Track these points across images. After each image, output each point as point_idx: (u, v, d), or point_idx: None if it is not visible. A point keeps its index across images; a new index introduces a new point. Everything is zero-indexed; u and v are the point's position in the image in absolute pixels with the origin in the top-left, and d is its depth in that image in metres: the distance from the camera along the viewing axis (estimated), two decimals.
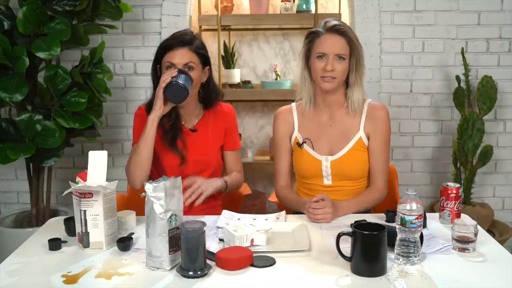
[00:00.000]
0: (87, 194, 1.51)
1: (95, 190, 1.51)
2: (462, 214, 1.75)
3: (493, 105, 2.94)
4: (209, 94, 2.04)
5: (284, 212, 1.84)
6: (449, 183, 1.75)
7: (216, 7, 3.09)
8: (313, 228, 1.68)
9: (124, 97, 3.19)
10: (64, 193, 1.57)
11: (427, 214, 1.71)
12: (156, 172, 2.00)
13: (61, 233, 1.65)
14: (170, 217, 1.37)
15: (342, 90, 1.96)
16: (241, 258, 1.39)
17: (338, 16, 3.03)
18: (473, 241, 1.49)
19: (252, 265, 1.39)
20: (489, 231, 2.92)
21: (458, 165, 3.01)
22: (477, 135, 2.91)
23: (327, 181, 1.97)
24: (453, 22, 3.09)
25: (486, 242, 1.57)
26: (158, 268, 1.39)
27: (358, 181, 1.98)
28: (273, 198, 2.19)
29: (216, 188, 1.95)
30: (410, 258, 1.41)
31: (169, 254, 1.38)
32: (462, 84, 2.97)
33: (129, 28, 3.11)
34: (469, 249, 1.49)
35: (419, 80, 3.16)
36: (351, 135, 1.96)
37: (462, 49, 2.98)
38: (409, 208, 1.40)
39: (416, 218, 1.40)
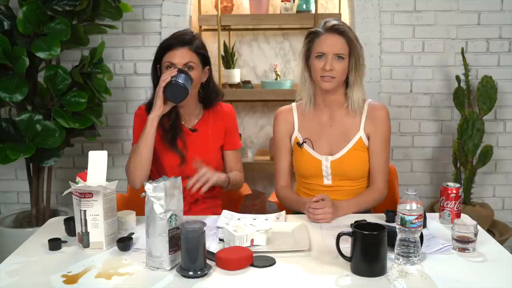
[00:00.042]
0: (87, 194, 1.51)
1: (95, 190, 1.51)
2: (462, 214, 1.75)
3: (493, 105, 2.94)
4: (209, 94, 2.04)
5: (284, 212, 1.84)
6: (449, 183, 1.75)
7: (216, 7, 3.09)
8: (313, 228, 1.68)
9: (124, 97, 3.19)
10: (64, 193, 1.57)
11: (427, 214, 1.71)
12: (156, 172, 2.00)
13: (61, 233, 1.65)
14: (170, 217, 1.37)
15: (342, 90, 1.96)
16: (241, 258, 1.39)
17: (338, 16, 3.03)
18: (473, 241, 1.49)
19: (252, 265, 1.39)
20: (489, 231, 2.92)
21: (458, 165, 3.01)
22: (477, 135, 2.91)
23: (327, 181, 1.97)
24: (453, 22, 3.09)
25: (486, 242, 1.57)
26: (158, 268, 1.39)
27: (358, 181, 1.98)
28: (273, 198, 2.19)
29: (220, 179, 1.90)
30: (410, 258, 1.41)
31: (169, 254, 1.38)
32: (462, 84, 2.97)
33: (129, 28, 3.11)
34: (469, 249, 1.49)
35: (419, 80, 3.16)
36: (351, 135, 1.96)
37: (462, 49, 2.99)
38: (409, 208, 1.40)
39: (416, 218, 1.40)
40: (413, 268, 1.39)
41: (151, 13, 3.09)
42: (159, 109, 1.86)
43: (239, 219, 1.75)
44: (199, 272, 1.33)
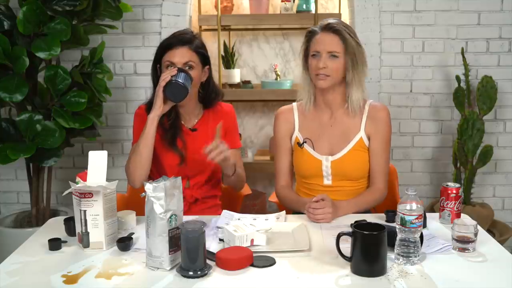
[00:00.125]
0: (87, 194, 1.51)
1: (95, 190, 1.51)
2: (462, 214, 1.75)
3: (493, 105, 2.94)
4: (209, 94, 2.04)
5: (284, 212, 1.84)
6: (449, 183, 1.75)
7: (216, 7, 3.09)
8: (313, 228, 1.68)
9: (124, 97, 3.19)
10: (64, 193, 1.57)
11: (427, 214, 1.71)
12: (156, 172, 2.00)
13: (61, 233, 1.65)
14: (170, 217, 1.37)
15: (340, 90, 1.96)
16: (241, 258, 1.39)
17: (338, 16, 3.03)
18: (473, 241, 1.49)
19: (252, 265, 1.39)
20: (489, 231, 2.92)
21: (458, 165, 3.01)
22: (477, 135, 2.91)
23: (327, 181, 1.97)
24: (453, 22, 3.09)
25: (486, 242, 1.57)
26: (158, 268, 1.39)
27: (358, 182, 1.98)
28: (273, 198, 2.19)
29: (229, 158, 1.84)
30: (410, 258, 1.41)
31: (169, 254, 1.38)
32: (462, 84, 2.97)
33: (129, 28, 3.11)
34: (469, 249, 1.49)
35: (419, 80, 3.16)
36: (352, 135, 1.96)
37: (462, 49, 2.99)
38: (409, 208, 1.40)
39: (416, 218, 1.40)
40: (413, 268, 1.39)
41: (151, 13, 3.09)
42: (159, 108, 1.86)
43: (239, 219, 1.75)
44: (199, 272, 1.33)
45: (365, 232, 1.35)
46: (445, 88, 3.16)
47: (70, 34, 2.47)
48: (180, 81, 1.82)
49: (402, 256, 1.41)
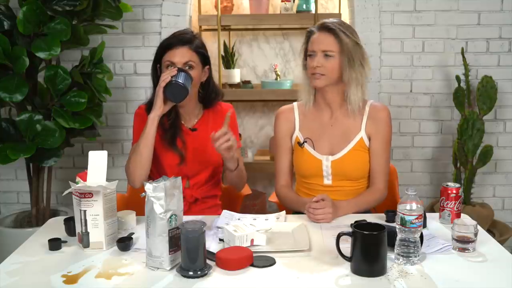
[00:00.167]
0: (87, 194, 1.51)
1: (95, 190, 1.51)
2: (462, 214, 1.75)
3: (493, 105, 2.94)
4: (209, 94, 2.04)
5: (284, 212, 1.84)
6: (449, 183, 1.75)
7: (216, 7, 3.09)
8: (313, 228, 1.68)
9: (124, 97, 3.19)
10: (64, 193, 1.57)
11: (427, 214, 1.71)
12: (156, 171, 2.00)
13: (61, 233, 1.65)
14: (170, 217, 1.37)
15: (340, 89, 1.95)
16: (241, 258, 1.39)
17: (338, 16, 3.03)
18: (473, 241, 1.49)
19: (252, 265, 1.39)
20: (489, 231, 2.92)
21: (458, 165, 3.01)
22: (477, 135, 2.91)
23: (327, 181, 1.97)
24: (453, 22, 3.09)
25: (486, 242, 1.57)
26: (158, 268, 1.39)
27: (359, 182, 1.98)
28: (273, 198, 2.19)
29: (235, 147, 1.83)
30: (410, 258, 1.41)
31: (169, 254, 1.38)
32: (462, 84, 2.97)
33: (129, 28, 3.11)
34: (469, 249, 1.49)
35: (419, 80, 3.16)
36: (352, 135, 1.96)
37: (462, 49, 2.99)
38: (409, 208, 1.40)
39: (416, 218, 1.40)
40: (413, 268, 1.39)
41: (151, 13, 3.09)
42: (159, 109, 1.86)
43: (239, 219, 1.75)
44: (199, 272, 1.33)
45: (365, 232, 1.35)
46: (445, 88, 3.16)
47: (70, 34, 2.47)
48: (180, 81, 1.82)
49: (402, 256, 1.41)
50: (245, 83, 3.22)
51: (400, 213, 1.41)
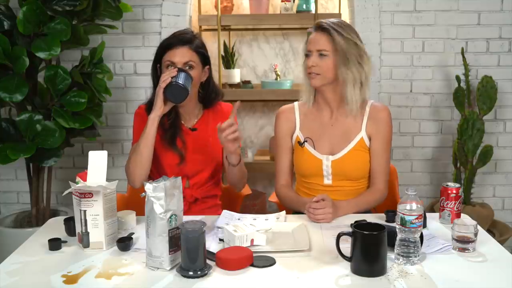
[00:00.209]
0: (87, 194, 1.51)
1: (95, 190, 1.51)
2: (462, 214, 1.75)
3: (493, 105, 2.94)
4: (209, 94, 2.04)
5: (284, 212, 1.84)
6: (449, 183, 1.75)
7: (216, 7, 3.09)
8: (313, 228, 1.68)
9: (124, 97, 3.19)
10: (64, 193, 1.57)
11: (427, 214, 1.71)
12: (156, 171, 2.00)
13: (61, 233, 1.65)
14: (170, 217, 1.37)
15: (337, 89, 1.95)
16: (241, 258, 1.39)
17: (338, 16, 3.03)
18: (473, 241, 1.49)
19: (252, 265, 1.39)
20: (489, 231, 2.92)
21: (458, 165, 3.01)
22: (477, 135, 2.91)
23: (327, 181, 1.97)
24: (453, 22, 3.09)
25: (486, 242, 1.57)
26: (158, 268, 1.39)
27: (359, 182, 1.98)
28: (273, 198, 2.19)
29: (240, 139, 1.84)
30: (410, 258, 1.41)
31: (169, 254, 1.38)
32: (462, 84, 2.97)
33: (129, 28, 3.11)
34: (469, 249, 1.49)
35: (419, 80, 3.16)
36: (353, 135, 1.96)
37: (462, 49, 2.99)
38: (409, 208, 1.40)
39: (416, 218, 1.40)
40: (413, 268, 1.39)
41: (151, 13, 3.09)
42: (160, 109, 1.86)
43: (239, 219, 1.75)
44: (199, 272, 1.33)
45: (365, 232, 1.35)
46: (445, 88, 3.16)
47: (70, 34, 2.47)
48: (181, 82, 1.82)
49: (402, 256, 1.41)
50: (245, 83, 3.22)
51: (400, 213, 1.41)
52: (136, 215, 1.74)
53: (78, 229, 1.54)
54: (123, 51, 3.15)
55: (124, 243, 1.53)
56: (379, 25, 3.09)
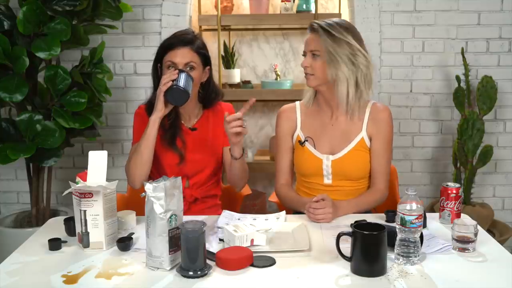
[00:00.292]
0: (87, 194, 1.51)
1: (95, 190, 1.51)
2: (462, 214, 1.75)
3: (493, 105, 2.94)
4: (209, 94, 2.04)
5: (284, 212, 1.84)
6: (449, 183, 1.75)
7: (216, 7, 3.09)
8: (313, 228, 1.68)
9: (124, 97, 3.19)
10: (64, 193, 1.57)
11: (427, 214, 1.71)
12: (155, 171, 2.00)
13: (61, 233, 1.65)
14: (170, 217, 1.37)
15: (334, 89, 1.95)
16: (241, 258, 1.39)
17: (338, 16, 3.03)
18: (473, 241, 1.49)
19: (252, 265, 1.39)
20: (489, 231, 2.92)
21: (458, 165, 3.01)
22: (477, 135, 2.91)
23: (327, 180, 1.97)
24: (453, 22, 3.09)
25: (486, 242, 1.57)
26: (158, 268, 1.39)
27: (359, 182, 1.98)
28: (273, 198, 2.19)
29: (246, 132, 1.86)
30: (410, 258, 1.41)
31: (169, 254, 1.38)
32: (462, 84, 2.97)
33: (129, 28, 3.11)
34: (469, 249, 1.49)
35: (419, 80, 3.16)
36: (353, 135, 1.96)
37: (462, 49, 2.99)
38: (409, 208, 1.40)
39: (416, 218, 1.40)
40: (413, 268, 1.39)
41: (151, 13, 3.09)
42: (160, 111, 1.86)
43: (239, 219, 1.75)
44: (199, 272, 1.33)
45: (365, 232, 1.35)
46: (445, 88, 3.16)
47: (70, 34, 2.47)
48: (181, 86, 1.82)
49: (402, 256, 1.41)
50: (245, 83, 3.22)
51: (400, 213, 1.41)
52: (136, 215, 1.74)
53: (78, 229, 1.54)
54: (123, 51, 3.15)
55: (124, 243, 1.53)
56: (379, 25, 3.09)
